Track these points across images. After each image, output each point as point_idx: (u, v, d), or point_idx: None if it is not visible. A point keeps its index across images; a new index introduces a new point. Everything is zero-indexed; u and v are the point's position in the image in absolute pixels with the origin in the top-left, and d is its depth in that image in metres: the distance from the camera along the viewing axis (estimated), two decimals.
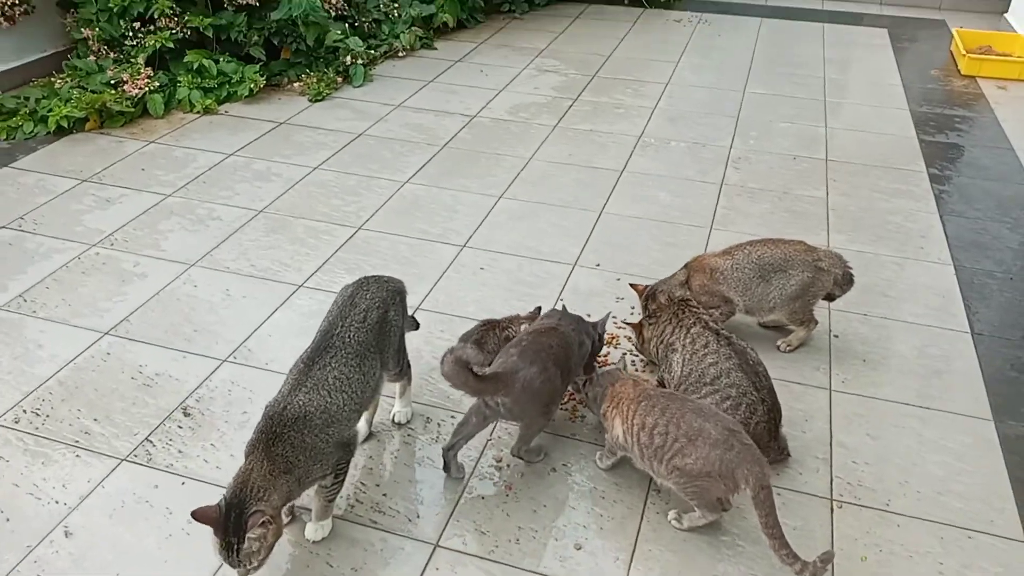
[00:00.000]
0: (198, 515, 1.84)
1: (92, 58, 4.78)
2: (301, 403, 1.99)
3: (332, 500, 2.14)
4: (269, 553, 1.90)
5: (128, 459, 2.41)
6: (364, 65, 5.27)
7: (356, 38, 5.36)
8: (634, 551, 2.16)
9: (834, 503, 2.31)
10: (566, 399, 2.65)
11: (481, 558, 2.13)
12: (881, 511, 2.29)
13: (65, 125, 4.34)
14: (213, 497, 1.92)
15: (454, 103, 5.01)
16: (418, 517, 2.24)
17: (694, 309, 2.54)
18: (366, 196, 3.91)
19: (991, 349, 2.95)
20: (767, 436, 2.32)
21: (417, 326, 2.69)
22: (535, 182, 4.10)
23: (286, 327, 2.98)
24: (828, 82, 5.51)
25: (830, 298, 2.91)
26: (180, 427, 2.51)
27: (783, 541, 2.01)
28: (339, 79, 5.18)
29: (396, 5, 5.87)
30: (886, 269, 3.41)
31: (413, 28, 5.83)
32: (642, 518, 2.25)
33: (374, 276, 2.38)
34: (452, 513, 2.25)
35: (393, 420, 2.55)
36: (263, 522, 1.82)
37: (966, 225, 3.78)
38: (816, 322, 2.91)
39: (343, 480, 2.13)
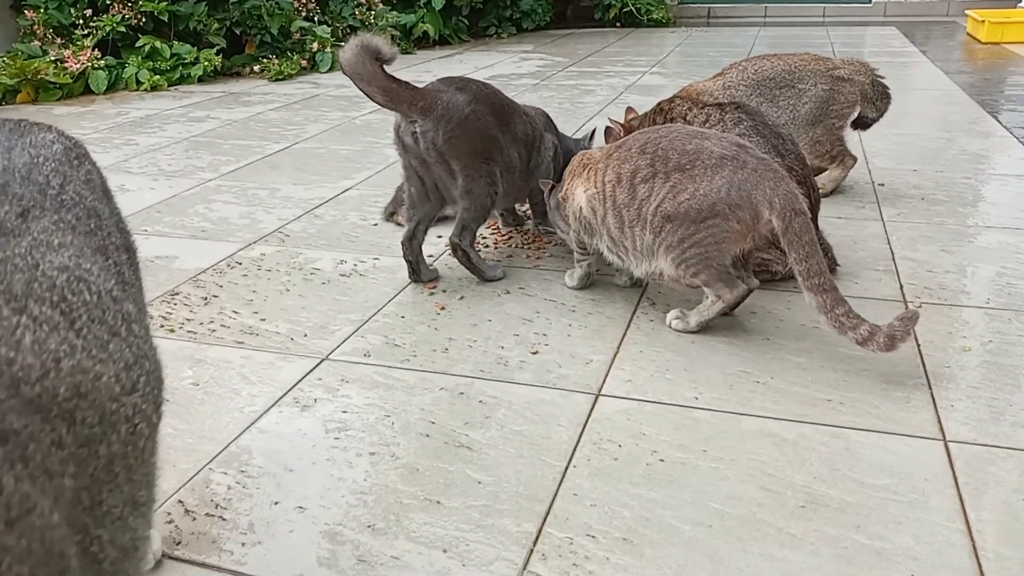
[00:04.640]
0: None
1: (37, 43, 4.43)
2: None
3: None
4: None
5: None
6: (332, 52, 4.89)
7: (324, 27, 5.02)
8: (616, 353, 1.44)
9: (909, 304, 1.60)
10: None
11: (388, 367, 1.42)
12: (981, 308, 1.57)
13: None
14: None
15: (427, 77, 4.56)
16: (305, 336, 1.55)
17: (682, 98, 1.91)
18: (311, 125, 3.38)
19: None
20: None
21: None
22: None
23: (178, 216, 2.37)
24: (839, 54, 5.04)
25: (863, 124, 2.27)
26: None
27: (836, 296, 1.31)
28: (304, 62, 4.78)
29: (372, 13, 5.58)
30: (952, 147, 2.78)
31: (391, 30, 5.50)
32: (629, 325, 1.55)
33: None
34: (355, 332, 1.56)
35: None
36: None
37: None
38: (854, 158, 2.25)
39: None
